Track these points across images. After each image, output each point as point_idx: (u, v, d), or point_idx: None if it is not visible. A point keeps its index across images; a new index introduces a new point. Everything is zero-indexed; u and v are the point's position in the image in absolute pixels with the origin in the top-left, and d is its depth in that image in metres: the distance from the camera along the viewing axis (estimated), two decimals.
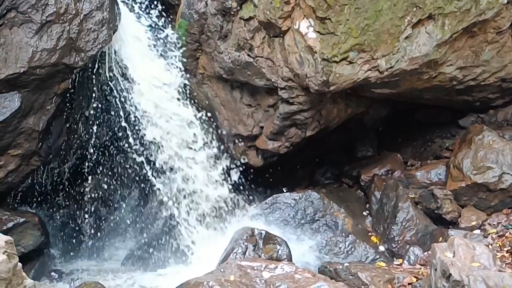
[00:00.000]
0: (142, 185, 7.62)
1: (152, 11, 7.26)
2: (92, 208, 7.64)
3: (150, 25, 7.19)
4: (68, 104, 6.80)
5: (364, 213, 7.20)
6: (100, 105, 7.12)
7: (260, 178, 7.63)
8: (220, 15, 6.96)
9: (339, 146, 8.07)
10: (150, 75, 7.03)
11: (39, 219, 6.84)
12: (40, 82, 6.29)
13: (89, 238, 7.58)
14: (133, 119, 6.97)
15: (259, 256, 6.07)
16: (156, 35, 7.21)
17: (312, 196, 7.06)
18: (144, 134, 6.96)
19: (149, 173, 7.09)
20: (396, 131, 8.08)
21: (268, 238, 6.25)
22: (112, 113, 7.11)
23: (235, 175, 7.47)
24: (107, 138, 7.55)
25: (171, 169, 7.14)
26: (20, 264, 4.71)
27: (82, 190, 7.69)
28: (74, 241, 7.54)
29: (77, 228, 7.62)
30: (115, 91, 6.90)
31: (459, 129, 7.58)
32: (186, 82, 7.30)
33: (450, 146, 7.45)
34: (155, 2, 7.30)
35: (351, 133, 7.93)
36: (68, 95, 6.68)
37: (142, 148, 7.08)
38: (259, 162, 7.59)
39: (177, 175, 7.12)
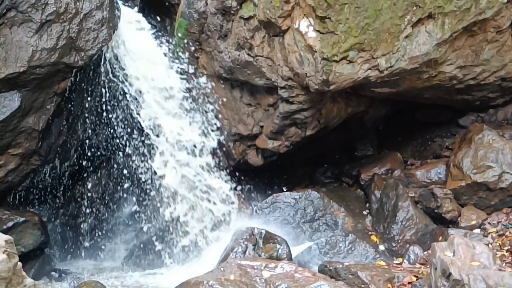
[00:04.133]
0: (143, 184, 7.60)
1: (182, 54, 6.54)
2: (92, 208, 7.63)
3: (177, 71, 6.57)
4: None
5: (364, 212, 7.19)
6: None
7: (260, 177, 7.62)
8: (220, 14, 6.96)
9: (339, 145, 8.06)
10: (176, 134, 6.19)
11: (39, 219, 6.84)
12: (40, 81, 6.29)
13: (89, 238, 7.58)
14: (143, 178, 6.17)
15: (259, 255, 6.06)
16: (187, 84, 6.47)
17: (312, 195, 7.05)
18: (162, 212, 6.15)
19: (159, 247, 6.26)
20: (396, 131, 8.07)
21: (268, 238, 6.24)
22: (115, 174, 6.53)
23: None
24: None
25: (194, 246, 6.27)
26: (20, 264, 4.71)
27: (82, 190, 7.68)
28: (74, 240, 7.54)
29: (77, 227, 7.62)
30: (118, 141, 6.30)
31: (459, 128, 7.57)
32: (222, 139, 6.39)
33: (450, 145, 7.44)
34: (189, 42, 6.57)
35: (351, 133, 7.92)
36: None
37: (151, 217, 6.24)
38: (259, 161, 7.59)
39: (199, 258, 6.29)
